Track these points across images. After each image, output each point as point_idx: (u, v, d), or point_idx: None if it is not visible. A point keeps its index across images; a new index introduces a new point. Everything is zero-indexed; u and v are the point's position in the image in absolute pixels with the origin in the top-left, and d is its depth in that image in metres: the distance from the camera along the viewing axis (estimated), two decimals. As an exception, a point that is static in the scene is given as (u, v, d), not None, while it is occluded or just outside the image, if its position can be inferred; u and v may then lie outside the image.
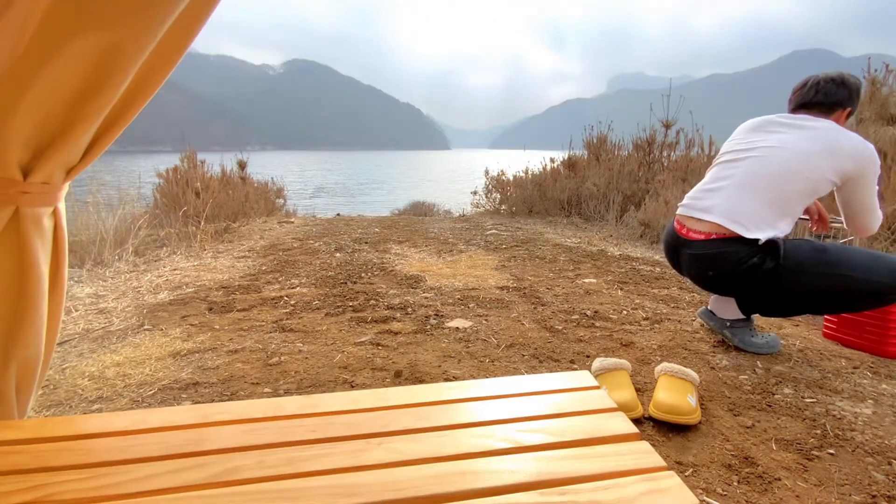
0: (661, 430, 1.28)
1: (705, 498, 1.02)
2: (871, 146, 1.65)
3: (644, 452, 0.58)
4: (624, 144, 6.11)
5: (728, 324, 1.85)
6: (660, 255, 3.61)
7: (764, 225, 1.63)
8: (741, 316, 1.82)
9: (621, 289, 2.63)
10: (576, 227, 5.12)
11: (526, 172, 6.56)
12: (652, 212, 4.26)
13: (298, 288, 2.61)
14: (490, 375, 1.60)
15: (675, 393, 1.32)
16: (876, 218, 1.75)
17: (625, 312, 2.23)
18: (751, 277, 1.64)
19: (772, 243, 1.62)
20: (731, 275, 1.67)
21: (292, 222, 5.34)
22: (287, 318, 2.12)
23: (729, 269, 1.66)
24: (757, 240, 1.61)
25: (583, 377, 0.79)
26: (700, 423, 1.30)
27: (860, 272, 1.58)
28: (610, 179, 5.57)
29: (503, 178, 6.78)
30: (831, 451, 1.19)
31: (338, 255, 3.50)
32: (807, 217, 2.06)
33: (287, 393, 1.47)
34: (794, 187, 1.64)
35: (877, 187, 1.71)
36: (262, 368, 1.63)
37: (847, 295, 1.61)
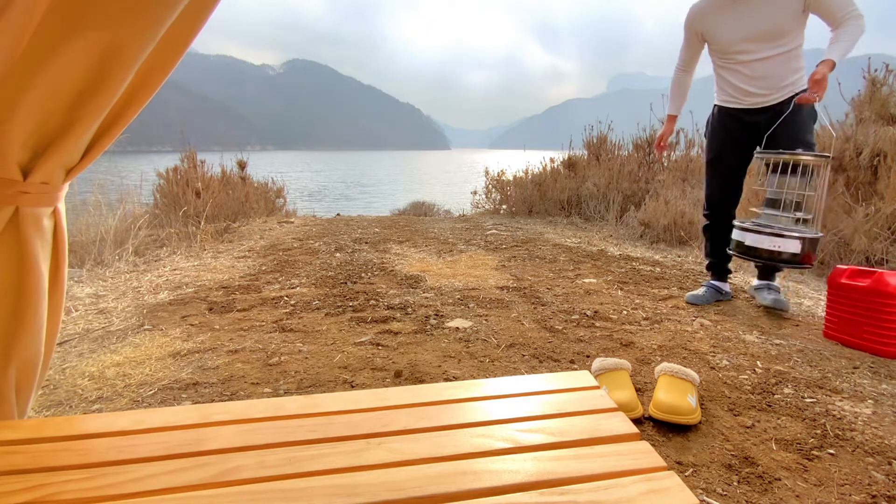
0: (661, 430, 1.28)
1: (705, 498, 1.02)
2: None
3: (644, 452, 0.58)
4: (624, 144, 6.11)
5: (753, 287, 2.41)
6: (660, 255, 3.61)
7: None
8: (758, 283, 2.36)
9: (621, 289, 2.63)
10: (576, 227, 5.12)
11: (526, 172, 6.56)
12: (652, 212, 4.26)
13: (298, 288, 2.61)
14: (490, 375, 1.60)
15: (675, 393, 1.32)
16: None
17: (625, 312, 2.23)
18: None
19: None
20: None
21: (292, 222, 5.34)
22: (287, 318, 2.12)
23: None
24: None
25: (583, 377, 0.79)
26: (700, 423, 1.30)
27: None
28: (610, 179, 5.57)
29: (503, 178, 6.78)
30: (831, 451, 1.19)
31: (338, 255, 3.50)
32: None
33: (287, 393, 1.47)
34: None
35: None
36: (262, 368, 1.63)
37: None
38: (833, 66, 1.96)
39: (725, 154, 2.31)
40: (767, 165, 2.02)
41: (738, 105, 2.23)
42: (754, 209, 2.13)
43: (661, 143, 2.57)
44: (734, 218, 2.30)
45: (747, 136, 2.22)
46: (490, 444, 0.60)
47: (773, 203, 2.01)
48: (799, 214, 1.96)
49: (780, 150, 1.98)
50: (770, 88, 2.13)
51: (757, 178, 2.15)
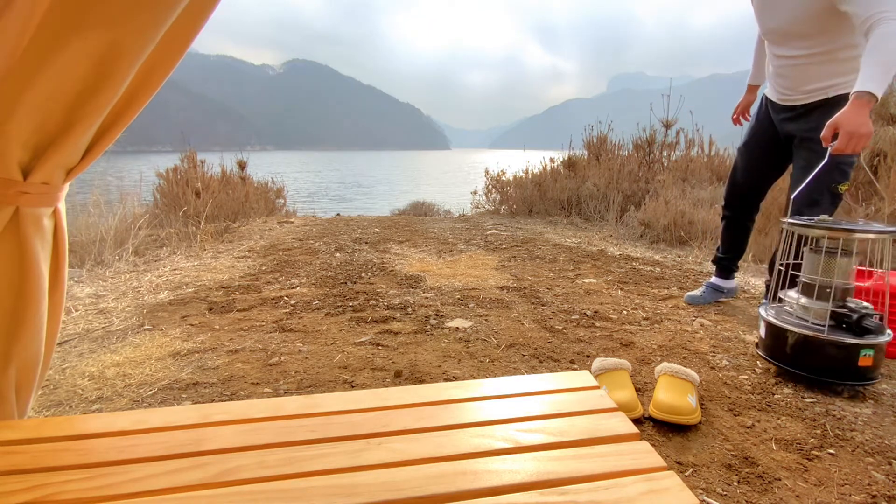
0: (661, 430, 1.28)
1: (705, 498, 1.02)
2: None
3: (644, 452, 0.58)
4: (624, 144, 6.11)
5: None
6: (660, 255, 3.61)
7: None
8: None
9: (621, 289, 2.63)
10: (576, 227, 5.11)
11: (526, 172, 6.56)
12: (652, 212, 4.26)
13: (298, 288, 2.61)
14: (490, 375, 1.60)
15: (675, 393, 1.32)
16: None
17: (625, 312, 2.23)
18: None
19: None
20: None
21: (292, 222, 5.33)
22: (287, 318, 2.12)
23: None
24: None
25: (583, 377, 0.79)
26: (700, 423, 1.30)
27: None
28: (610, 179, 5.57)
29: (503, 178, 6.77)
30: (831, 451, 1.19)
31: (338, 255, 3.50)
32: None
33: (287, 393, 1.47)
34: None
35: None
36: (262, 368, 1.64)
37: None
38: (865, 101, 1.47)
39: (747, 143, 2.15)
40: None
41: (769, 95, 2.08)
42: (786, 296, 1.60)
43: (736, 115, 2.33)
44: (748, 219, 2.23)
45: (770, 134, 2.05)
46: (490, 444, 0.60)
47: (806, 289, 1.48)
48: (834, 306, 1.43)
49: (810, 221, 1.47)
50: (788, 89, 1.92)
51: (782, 248, 1.59)
